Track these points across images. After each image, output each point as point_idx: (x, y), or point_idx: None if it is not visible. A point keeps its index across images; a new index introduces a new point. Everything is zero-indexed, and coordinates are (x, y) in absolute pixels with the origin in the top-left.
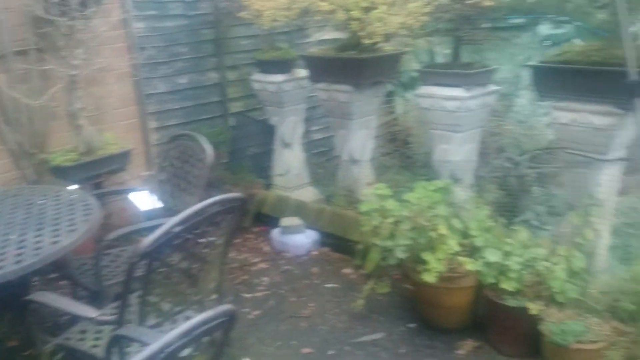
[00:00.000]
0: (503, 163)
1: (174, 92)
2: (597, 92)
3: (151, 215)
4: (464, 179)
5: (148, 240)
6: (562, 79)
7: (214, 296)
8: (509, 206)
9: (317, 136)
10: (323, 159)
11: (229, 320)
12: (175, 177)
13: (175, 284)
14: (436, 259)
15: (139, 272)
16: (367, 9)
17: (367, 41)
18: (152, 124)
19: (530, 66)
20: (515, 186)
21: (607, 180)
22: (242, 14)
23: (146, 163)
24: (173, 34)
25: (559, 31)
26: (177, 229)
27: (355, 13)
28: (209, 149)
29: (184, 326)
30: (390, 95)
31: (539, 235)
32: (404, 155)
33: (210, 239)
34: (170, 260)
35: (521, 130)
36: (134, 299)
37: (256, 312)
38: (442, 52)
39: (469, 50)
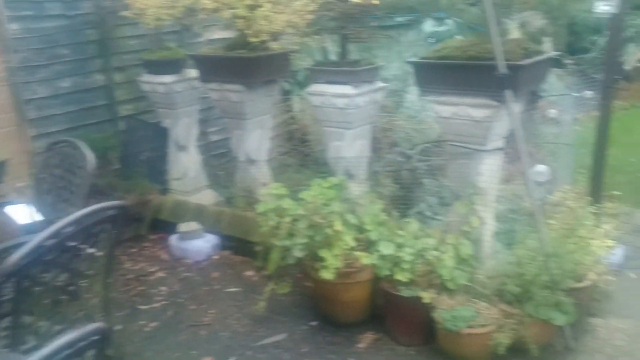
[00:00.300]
0: (396, 157)
1: (56, 96)
2: (473, 85)
3: (30, 229)
4: (358, 175)
5: (13, 258)
6: (442, 74)
7: (99, 312)
8: (404, 199)
9: (215, 137)
10: (222, 160)
11: (101, 339)
12: (56, 187)
13: (53, 303)
14: (333, 256)
15: (8, 293)
16: (252, 7)
17: (253, 39)
18: (32, 131)
19: (411, 62)
20: (408, 179)
21: (488, 170)
22: (125, 13)
23: (27, 174)
24: (52, 35)
25: (442, 28)
26: (49, 243)
27: (240, 11)
28: (89, 156)
29: (43, 350)
30: (286, 93)
31: (431, 225)
32: (302, 153)
33: (89, 251)
34: (43, 277)
35: (412, 125)
36: (5, 322)
37: (153, 324)
38: (336, 50)
39: (360, 48)
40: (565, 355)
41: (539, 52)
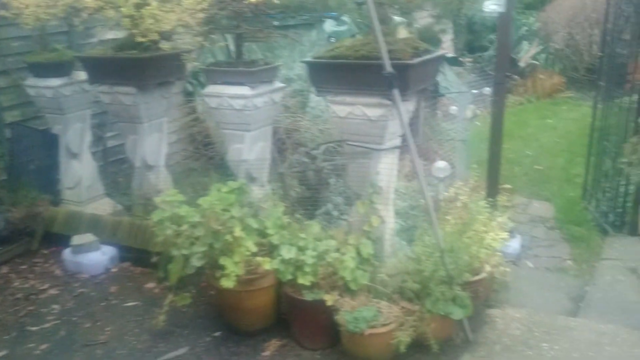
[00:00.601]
0: (301, 158)
1: None
2: (366, 85)
3: None
4: (260, 178)
5: None
6: (335, 74)
7: None
8: (311, 199)
9: (113, 143)
10: (122, 166)
11: None
12: None
13: None
14: (233, 263)
15: None
16: (139, 5)
17: (141, 39)
18: None
19: (305, 62)
20: (315, 180)
21: (386, 168)
22: (3, 13)
23: None
24: None
25: (343, 28)
26: None
27: (126, 10)
28: None
29: None
30: (189, 94)
31: (338, 225)
32: (206, 156)
33: None
34: None
35: (316, 125)
36: None
37: (44, 346)
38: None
39: (263, 48)
40: (465, 348)
41: (429, 51)
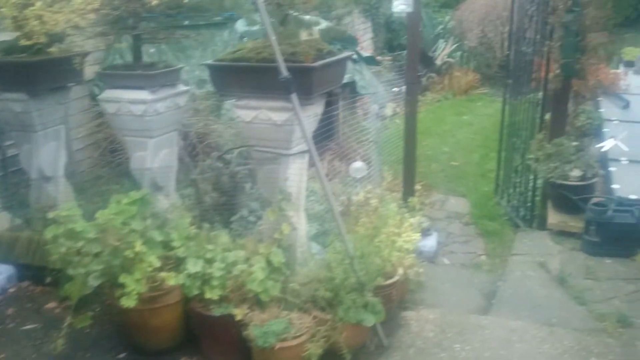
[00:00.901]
0: (214, 163)
1: None
2: (270, 88)
3: None
4: (167, 186)
5: None
6: (238, 77)
7: None
8: (227, 205)
9: (14, 151)
10: (23, 177)
11: None
12: None
13: None
14: (134, 280)
15: None
16: (23, 6)
17: (27, 42)
18: None
19: (206, 65)
20: (229, 184)
21: (295, 174)
22: None
23: None
24: None
25: (255, 27)
26: None
27: (7, 10)
28: None
29: None
30: (95, 99)
31: (254, 231)
32: (112, 163)
33: None
34: None
35: (230, 128)
36: None
37: None
38: (147, 52)
39: (175, 49)
40: (379, 354)
41: (333, 53)
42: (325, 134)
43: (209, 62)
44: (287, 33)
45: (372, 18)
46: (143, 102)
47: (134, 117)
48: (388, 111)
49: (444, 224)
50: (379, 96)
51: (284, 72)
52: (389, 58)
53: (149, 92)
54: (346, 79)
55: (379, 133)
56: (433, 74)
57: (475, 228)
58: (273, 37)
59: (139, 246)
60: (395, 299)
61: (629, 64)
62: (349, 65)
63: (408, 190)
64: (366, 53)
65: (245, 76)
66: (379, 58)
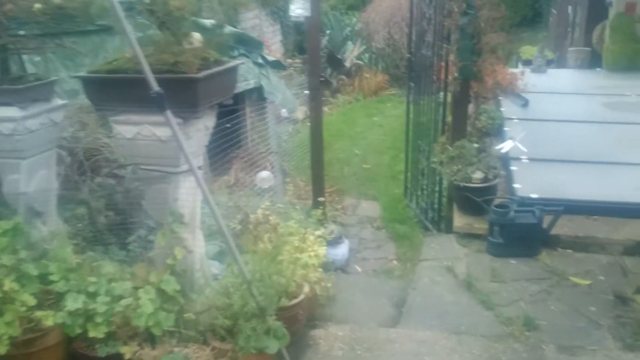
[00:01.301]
0: (106, 180)
1: None
2: (149, 102)
3: None
4: (47, 211)
5: None
6: (115, 90)
7: None
8: (123, 225)
9: None
10: None
11: None
12: None
13: None
14: (4, 323)
15: None
16: None
17: None
18: None
19: (78, 77)
20: (124, 202)
21: (187, 193)
22: None
23: None
24: None
25: (149, 32)
26: None
27: None
28: None
29: None
30: None
31: (147, 255)
32: None
33: None
34: None
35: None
36: None
37: None
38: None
39: (62, 58)
40: None
41: (220, 62)
42: (231, 143)
43: (81, 74)
44: (168, 41)
45: (281, 21)
46: (11, 119)
47: (3, 136)
48: (300, 115)
49: (357, 229)
50: (287, 100)
51: (155, 87)
52: (300, 60)
53: (18, 109)
54: (252, 84)
55: (287, 138)
56: (343, 76)
57: (386, 232)
58: (137, 47)
59: (8, 284)
60: (302, 318)
61: (527, 63)
62: (255, 70)
63: (317, 200)
64: (272, 57)
65: (123, 89)
66: (289, 61)
